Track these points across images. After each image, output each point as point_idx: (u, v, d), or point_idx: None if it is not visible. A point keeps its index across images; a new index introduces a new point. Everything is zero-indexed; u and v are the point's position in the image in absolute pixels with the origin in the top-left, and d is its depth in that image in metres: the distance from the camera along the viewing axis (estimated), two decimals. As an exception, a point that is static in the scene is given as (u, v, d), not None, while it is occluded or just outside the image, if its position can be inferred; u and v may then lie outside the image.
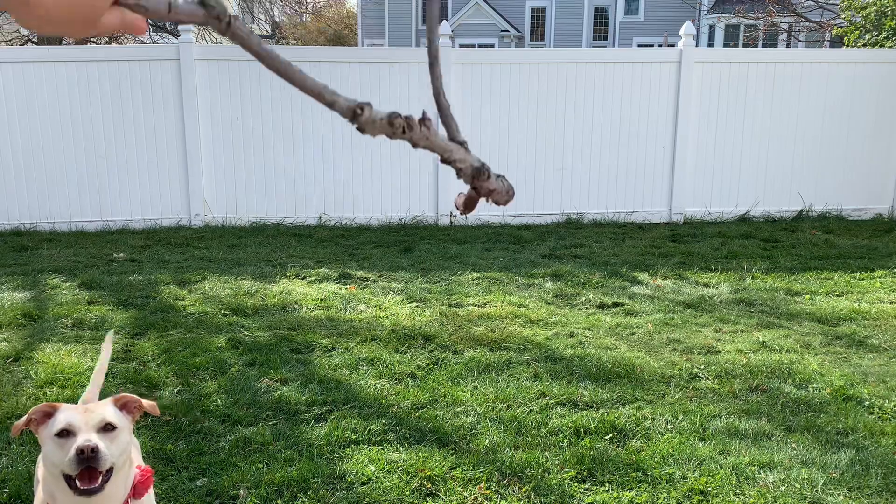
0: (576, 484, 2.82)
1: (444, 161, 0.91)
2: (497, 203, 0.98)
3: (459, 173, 0.93)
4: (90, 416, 1.61)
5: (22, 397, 3.48)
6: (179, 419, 3.27)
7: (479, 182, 0.95)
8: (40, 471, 1.68)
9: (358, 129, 0.84)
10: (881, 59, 8.36)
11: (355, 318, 4.77)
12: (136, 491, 1.66)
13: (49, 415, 1.61)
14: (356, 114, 0.83)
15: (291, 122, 7.87)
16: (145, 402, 1.78)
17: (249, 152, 7.96)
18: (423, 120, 0.87)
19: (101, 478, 1.55)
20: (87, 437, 1.56)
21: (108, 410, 1.67)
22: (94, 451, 1.52)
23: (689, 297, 5.32)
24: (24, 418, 1.61)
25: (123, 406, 1.73)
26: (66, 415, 1.59)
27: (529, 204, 8.35)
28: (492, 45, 31.26)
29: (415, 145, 0.88)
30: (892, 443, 3.14)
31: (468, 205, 0.99)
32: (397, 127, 0.85)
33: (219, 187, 8.00)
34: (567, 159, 8.28)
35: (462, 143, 0.92)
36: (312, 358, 4.06)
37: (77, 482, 1.53)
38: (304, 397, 3.52)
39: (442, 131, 0.96)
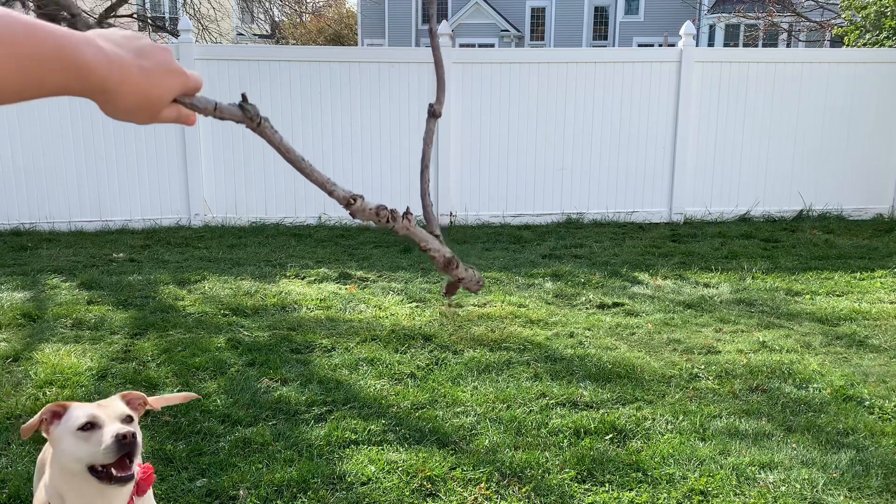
0: (576, 484, 2.81)
1: (421, 249, 1.08)
2: (468, 290, 1.17)
3: (433, 261, 1.10)
4: (109, 409, 1.63)
5: (21, 397, 3.48)
6: (179, 419, 3.27)
7: (449, 270, 1.13)
8: (46, 474, 1.67)
9: (350, 214, 1.00)
10: (881, 59, 8.36)
11: (355, 318, 4.77)
12: (140, 488, 1.67)
13: (58, 414, 1.61)
14: (349, 203, 0.98)
15: (291, 123, 7.87)
16: (150, 399, 1.80)
17: (249, 152, 7.95)
18: (406, 214, 1.03)
19: (132, 466, 1.57)
20: (117, 426, 1.58)
21: (121, 404, 1.69)
22: (134, 436, 1.55)
23: (690, 297, 5.31)
24: (37, 418, 1.61)
25: (128, 403, 1.75)
26: (85, 409, 1.61)
27: (529, 204, 8.35)
28: (492, 45, 31.24)
29: (396, 233, 1.04)
30: (892, 443, 3.14)
31: (449, 290, 1.18)
32: (382, 217, 1.00)
33: (218, 187, 7.99)
34: (567, 159, 8.28)
35: (437, 237, 1.09)
36: (312, 358, 4.06)
37: (112, 470, 1.55)
38: (303, 397, 3.51)
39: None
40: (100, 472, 1.55)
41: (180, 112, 0.86)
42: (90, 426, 1.57)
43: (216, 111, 0.88)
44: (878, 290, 5.52)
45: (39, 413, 1.61)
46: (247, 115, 0.89)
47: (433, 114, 1.14)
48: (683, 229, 7.90)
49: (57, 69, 0.70)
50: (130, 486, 1.63)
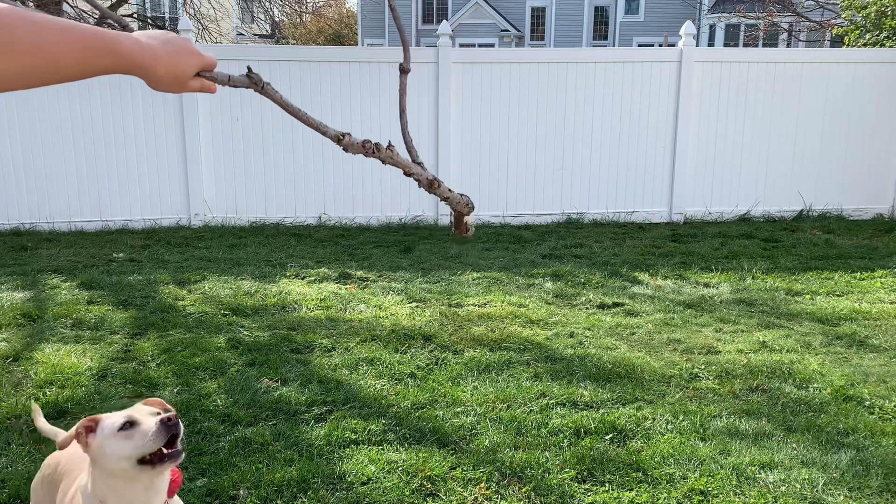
0: (576, 484, 2.81)
1: (406, 174, 1.33)
2: (461, 211, 1.40)
3: (419, 184, 1.35)
4: (139, 410, 1.72)
5: (22, 397, 3.48)
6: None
7: (433, 191, 1.35)
8: (76, 485, 1.71)
9: (343, 149, 1.27)
10: (881, 59, 8.36)
11: (355, 318, 4.77)
12: (170, 489, 1.74)
13: (91, 428, 1.69)
14: (339, 139, 1.24)
15: (291, 122, 7.86)
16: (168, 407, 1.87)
17: (249, 152, 7.96)
18: (389, 146, 1.28)
19: (179, 444, 1.66)
20: (154, 417, 1.66)
21: (146, 407, 1.76)
22: (178, 417, 1.66)
23: (690, 297, 5.31)
24: (72, 433, 1.69)
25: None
26: (118, 414, 1.69)
27: (529, 204, 8.35)
28: (492, 45, 31.25)
29: (383, 162, 1.29)
30: (892, 443, 3.14)
31: (458, 226, 1.43)
32: (368, 149, 1.26)
33: (219, 187, 7.99)
34: (567, 159, 8.28)
35: (419, 164, 1.35)
36: (312, 358, 4.06)
37: (164, 450, 1.65)
38: (304, 397, 3.51)
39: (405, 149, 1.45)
40: (151, 460, 1.64)
41: (203, 83, 1.15)
42: (129, 425, 1.65)
43: (230, 81, 1.16)
44: (878, 290, 5.52)
45: (74, 428, 1.68)
46: (252, 80, 1.20)
47: (403, 70, 1.52)
48: (683, 229, 7.90)
49: (104, 54, 1.00)
50: (164, 489, 1.70)
